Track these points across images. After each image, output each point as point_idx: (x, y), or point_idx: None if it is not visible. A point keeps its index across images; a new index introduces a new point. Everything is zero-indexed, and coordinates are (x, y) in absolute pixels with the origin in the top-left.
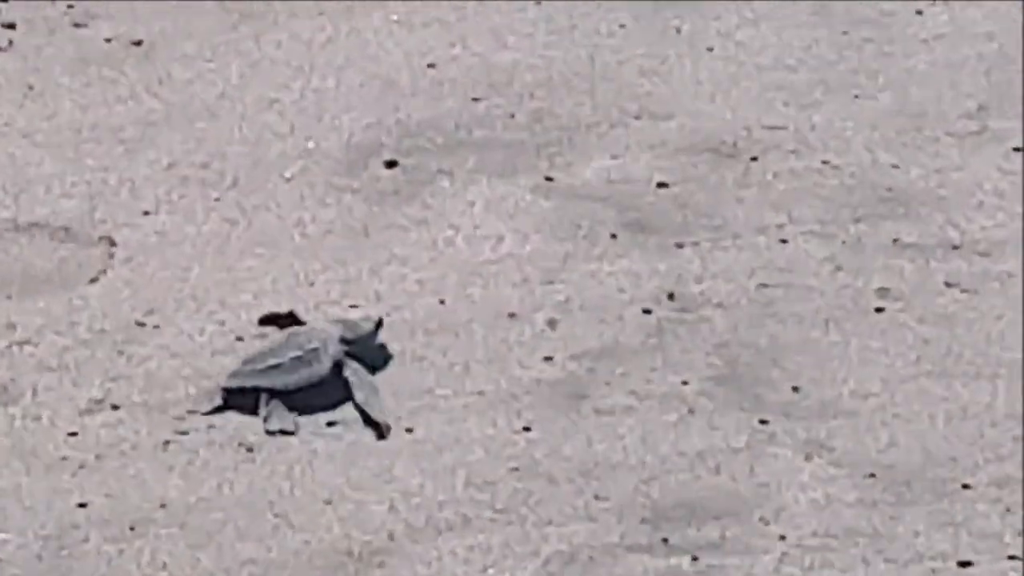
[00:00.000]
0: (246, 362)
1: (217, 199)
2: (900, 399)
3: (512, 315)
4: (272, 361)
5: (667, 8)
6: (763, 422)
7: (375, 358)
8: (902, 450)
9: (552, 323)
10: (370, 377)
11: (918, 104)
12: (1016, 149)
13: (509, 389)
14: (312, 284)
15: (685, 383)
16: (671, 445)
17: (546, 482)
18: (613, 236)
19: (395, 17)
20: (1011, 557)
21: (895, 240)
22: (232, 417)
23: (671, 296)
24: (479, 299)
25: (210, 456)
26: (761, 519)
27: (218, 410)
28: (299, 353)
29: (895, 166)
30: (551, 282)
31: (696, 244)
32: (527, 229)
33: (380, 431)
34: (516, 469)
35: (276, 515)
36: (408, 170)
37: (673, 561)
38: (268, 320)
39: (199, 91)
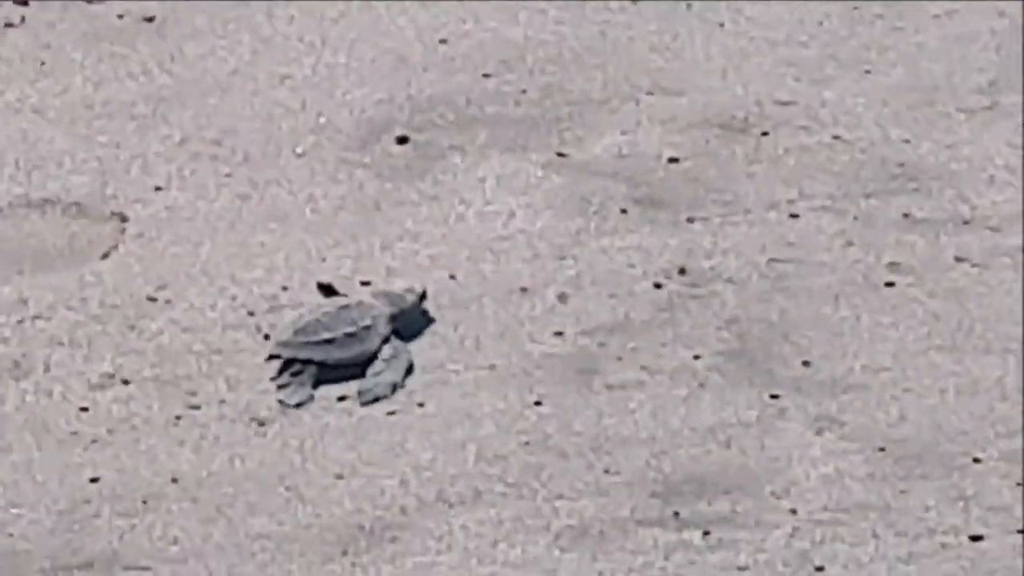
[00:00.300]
0: (297, 332)
1: (228, 175)
2: (911, 374)
3: (523, 290)
4: (326, 335)
5: None
6: (774, 397)
7: (418, 326)
8: (912, 425)
9: (563, 298)
10: (407, 355)
11: (929, 79)
12: None
13: (520, 364)
14: (324, 259)
15: (696, 358)
16: (682, 420)
17: (557, 456)
18: (624, 211)
19: None
20: (1021, 531)
21: (906, 215)
22: (244, 392)
23: (682, 271)
24: (490, 274)
25: (221, 431)
26: (772, 493)
27: (276, 376)
28: (352, 329)
29: (906, 141)
30: (562, 257)
31: (707, 219)
32: (538, 205)
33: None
34: (527, 443)
35: (287, 489)
36: (420, 146)
37: (684, 535)
38: (324, 288)
39: (211, 67)
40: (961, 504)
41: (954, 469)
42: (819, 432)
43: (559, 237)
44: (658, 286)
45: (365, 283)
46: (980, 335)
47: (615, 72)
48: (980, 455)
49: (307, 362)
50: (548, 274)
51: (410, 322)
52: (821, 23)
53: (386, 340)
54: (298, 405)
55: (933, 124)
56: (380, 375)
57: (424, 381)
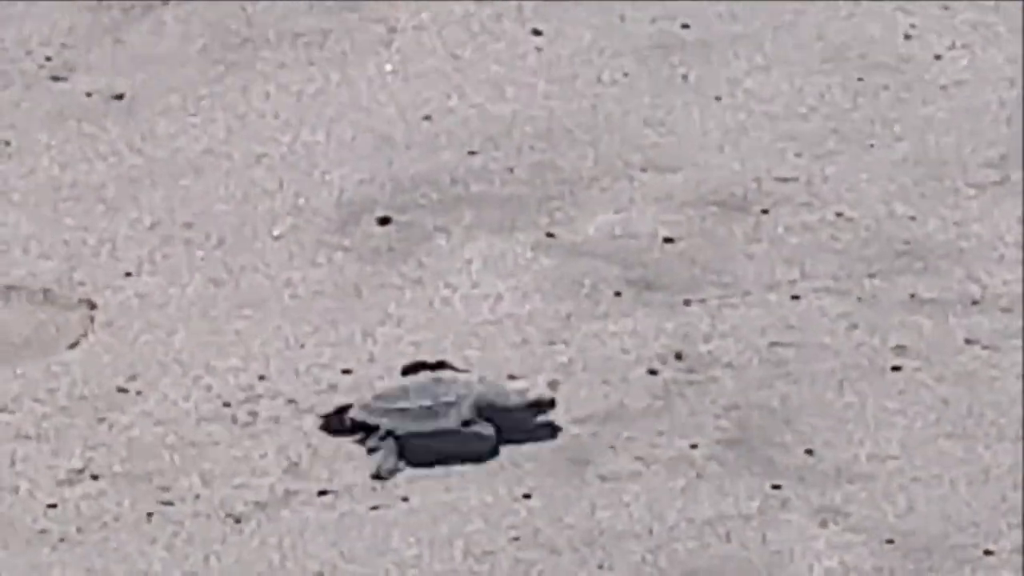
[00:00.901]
0: (377, 398)
1: (202, 259)
2: (919, 462)
3: (512, 377)
4: (402, 404)
5: (673, 55)
6: (776, 487)
7: (525, 432)
8: (921, 515)
9: (554, 385)
10: (491, 441)
11: (937, 153)
12: None
13: (509, 455)
14: (302, 346)
15: (694, 447)
16: (679, 512)
17: (548, 552)
18: (617, 294)
19: (389, 67)
20: None
21: (912, 295)
22: (219, 487)
23: (678, 356)
24: (477, 361)
25: (196, 528)
26: None
27: (341, 431)
28: (430, 403)
29: (912, 218)
30: (552, 343)
31: (704, 301)
32: (527, 288)
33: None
34: (516, 539)
35: None
36: (402, 227)
37: None
38: (413, 368)
39: (183, 146)
40: None
41: (965, 562)
42: (823, 524)
43: (549, 321)
44: (653, 372)
45: (346, 371)
46: (992, 421)
47: (607, 148)
48: (992, 547)
49: (375, 428)
50: (538, 360)
51: (515, 423)
52: (823, 95)
53: (467, 422)
54: (381, 475)
55: (941, 200)
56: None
57: (408, 475)
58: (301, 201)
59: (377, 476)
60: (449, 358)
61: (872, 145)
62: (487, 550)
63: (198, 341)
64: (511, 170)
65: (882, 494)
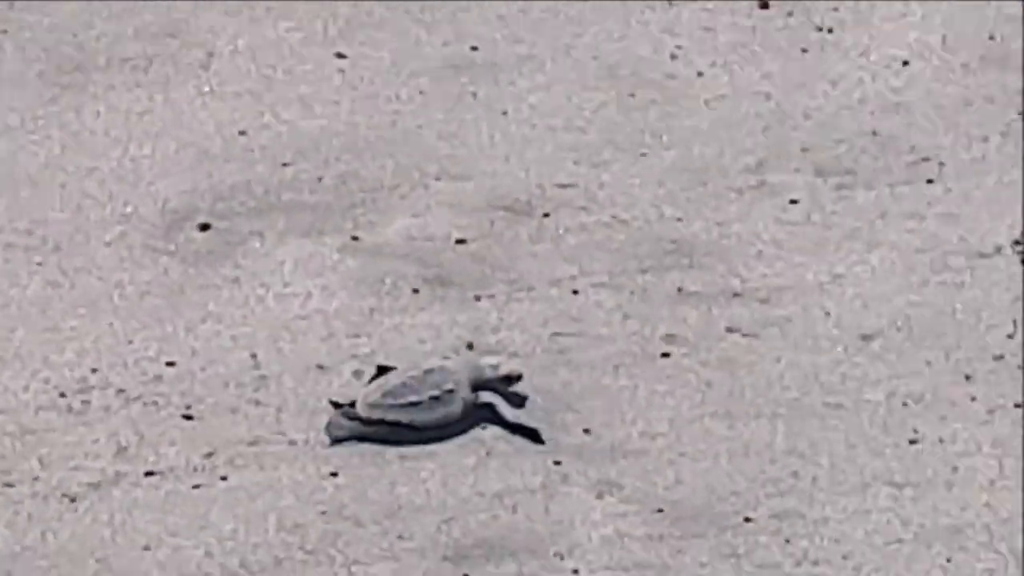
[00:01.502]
0: (385, 395)
1: (40, 263)
2: (686, 439)
3: (320, 367)
4: (412, 398)
5: (464, 74)
6: (557, 463)
7: (512, 403)
8: (688, 487)
9: (358, 374)
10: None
11: (700, 161)
12: (793, 201)
13: (318, 437)
14: (131, 342)
15: (483, 428)
16: (470, 487)
17: (353, 524)
18: (415, 291)
19: (207, 88)
20: None
21: (680, 289)
22: (56, 470)
23: (470, 346)
24: (289, 353)
25: (34, 507)
26: (556, 554)
27: (350, 439)
28: (437, 393)
29: (679, 219)
30: (357, 335)
31: (493, 297)
32: (334, 286)
33: (537, 436)
34: (324, 513)
35: (98, 562)
36: (221, 232)
37: None
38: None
39: (22, 161)
40: (734, 561)
41: (727, 528)
42: (600, 496)
43: (354, 316)
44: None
45: (170, 364)
46: (751, 401)
47: (405, 159)
48: (751, 515)
49: (395, 424)
50: (344, 351)
51: (498, 392)
52: (598, 109)
53: (469, 404)
54: (338, 441)
55: (704, 203)
56: (516, 416)
57: (227, 456)
58: (129, 210)
59: (337, 441)
60: (263, 350)
61: (643, 154)
62: (298, 523)
63: (37, 338)
64: (319, 180)
65: (653, 468)
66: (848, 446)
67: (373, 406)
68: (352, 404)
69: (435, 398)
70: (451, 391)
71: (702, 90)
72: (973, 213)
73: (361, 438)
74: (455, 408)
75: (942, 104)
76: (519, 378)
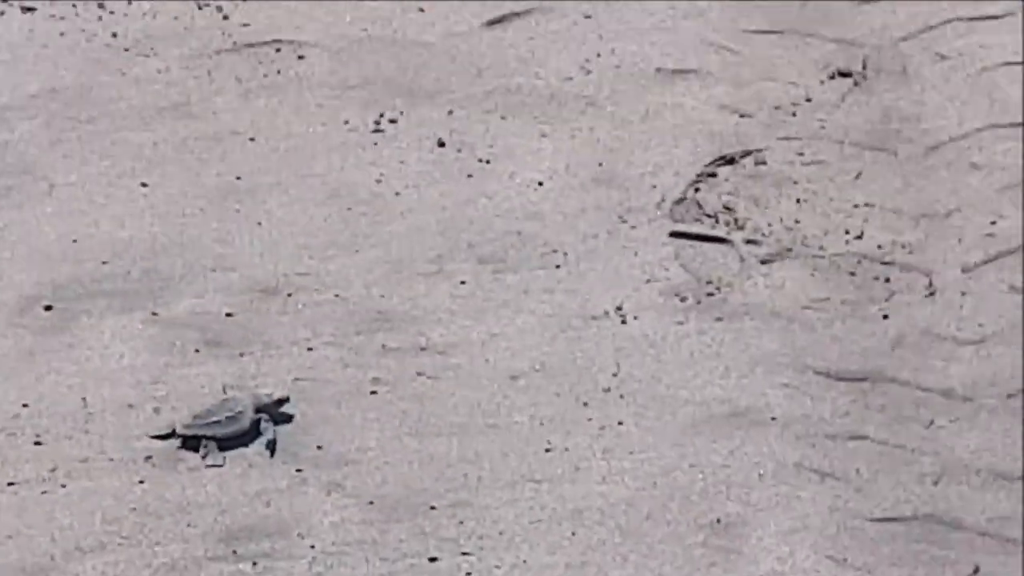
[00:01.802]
0: (196, 417)
1: None
2: (389, 452)
3: (130, 406)
4: (214, 418)
5: (231, 197)
6: (299, 470)
7: (279, 418)
8: (391, 486)
9: (157, 411)
10: (274, 427)
11: (398, 255)
12: (462, 282)
13: (131, 456)
14: None
15: (247, 445)
16: (238, 488)
17: (155, 518)
18: (197, 350)
19: (50, 210)
20: None
21: (383, 346)
22: None
23: (225, 389)
24: (108, 396)
25: None
26: (298, 535)
27: (180, 447)
28: (231, 414)
29: (383, 296)
30: (156, 383)
31: (252, 353)
32: (140, 348)
33: (274, 448)
34: (135, 509)
35: None
36: (60, 312)
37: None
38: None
39: None
40: (422, 537)
41: (419, 514)
42: (329, 493)
43: (154, 369)
44: None
45: (25, 405)
46: (434, 424)
47: (190, 257)
48: (436, 504)
49: (201, 437)
50: (147, 395)
51: (273, 414)
52: (326, 219)
53: (255, 421)
54: (213, 465)
55: (401, 284)
56: (265, 434)
57: (65, 470)
58: None
59: (214, 465)
60: (90, 395)
61: (357, 251)
62: (116, 517)
63: None
64: (128, 273)
65: (366, 473)
66: (503, 455)
67: (188, 426)
68: (172, 433)
69: (230, 417)
70: (241, 412)
71: (398, 205)
72: (587, 289)
73: (183, 446)
74: (244, 424)
75: (566, 211)
76: (287, 400)
